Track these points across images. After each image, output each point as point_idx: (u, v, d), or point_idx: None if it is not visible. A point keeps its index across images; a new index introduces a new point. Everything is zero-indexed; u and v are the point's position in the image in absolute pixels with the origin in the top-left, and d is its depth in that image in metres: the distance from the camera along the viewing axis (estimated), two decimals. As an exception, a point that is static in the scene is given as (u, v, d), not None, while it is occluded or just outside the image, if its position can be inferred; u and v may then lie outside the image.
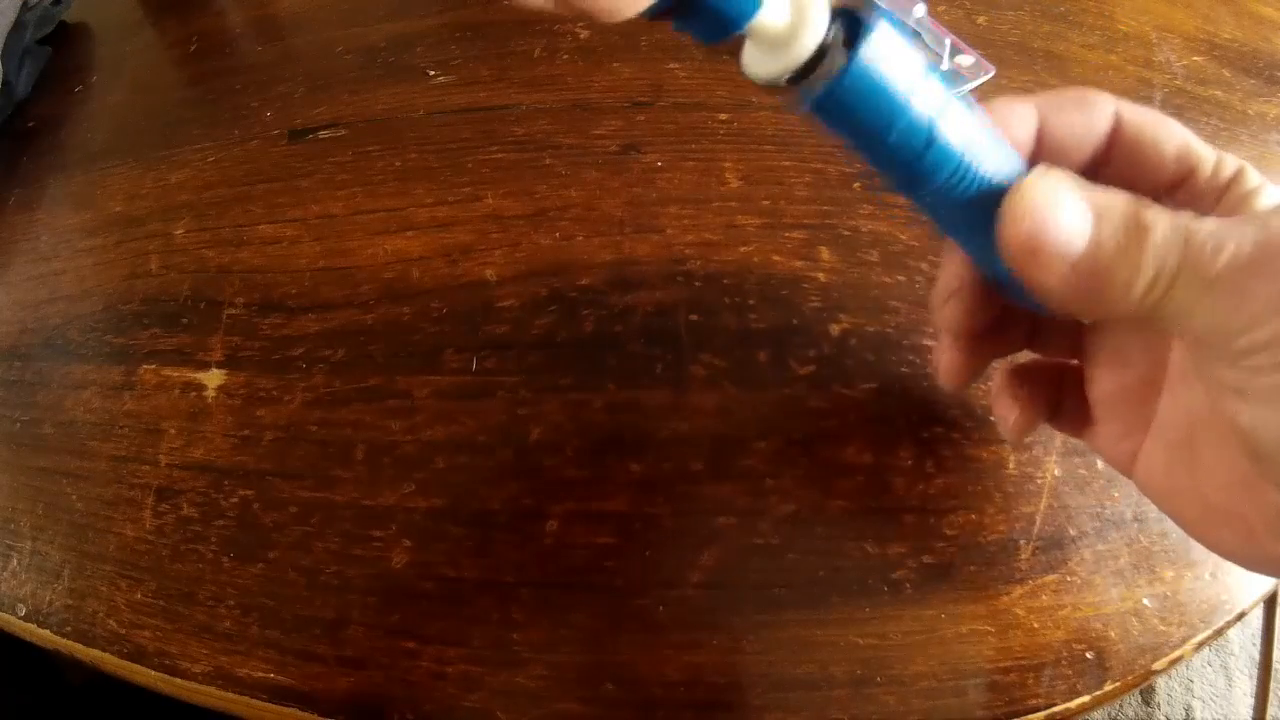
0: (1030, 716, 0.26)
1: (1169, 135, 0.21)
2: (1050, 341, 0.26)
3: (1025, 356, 0.27)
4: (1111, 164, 0.22)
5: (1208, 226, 0.18)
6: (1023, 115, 0.22)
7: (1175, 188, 0.22)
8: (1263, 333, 0.17)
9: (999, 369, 0.27)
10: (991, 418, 0.28)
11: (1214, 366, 0.19)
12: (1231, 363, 0.18)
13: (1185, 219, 0.18)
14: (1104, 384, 0.24)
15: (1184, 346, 0.21)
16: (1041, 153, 0.22)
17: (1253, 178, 0.21)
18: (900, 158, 0.20)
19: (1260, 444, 0.18)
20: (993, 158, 0.20)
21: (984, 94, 0.39)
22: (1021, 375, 0.26)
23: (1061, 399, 0.26)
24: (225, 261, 0.37)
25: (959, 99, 0.20)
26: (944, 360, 0.26)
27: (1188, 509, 0.22)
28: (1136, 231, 0.18)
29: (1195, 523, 0.22)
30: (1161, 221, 0.18)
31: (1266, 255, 0.17)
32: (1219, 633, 0.28)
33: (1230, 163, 0.21)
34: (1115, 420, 0.24)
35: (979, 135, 0.20)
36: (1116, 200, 0.19)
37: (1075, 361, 0.26)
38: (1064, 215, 0.19)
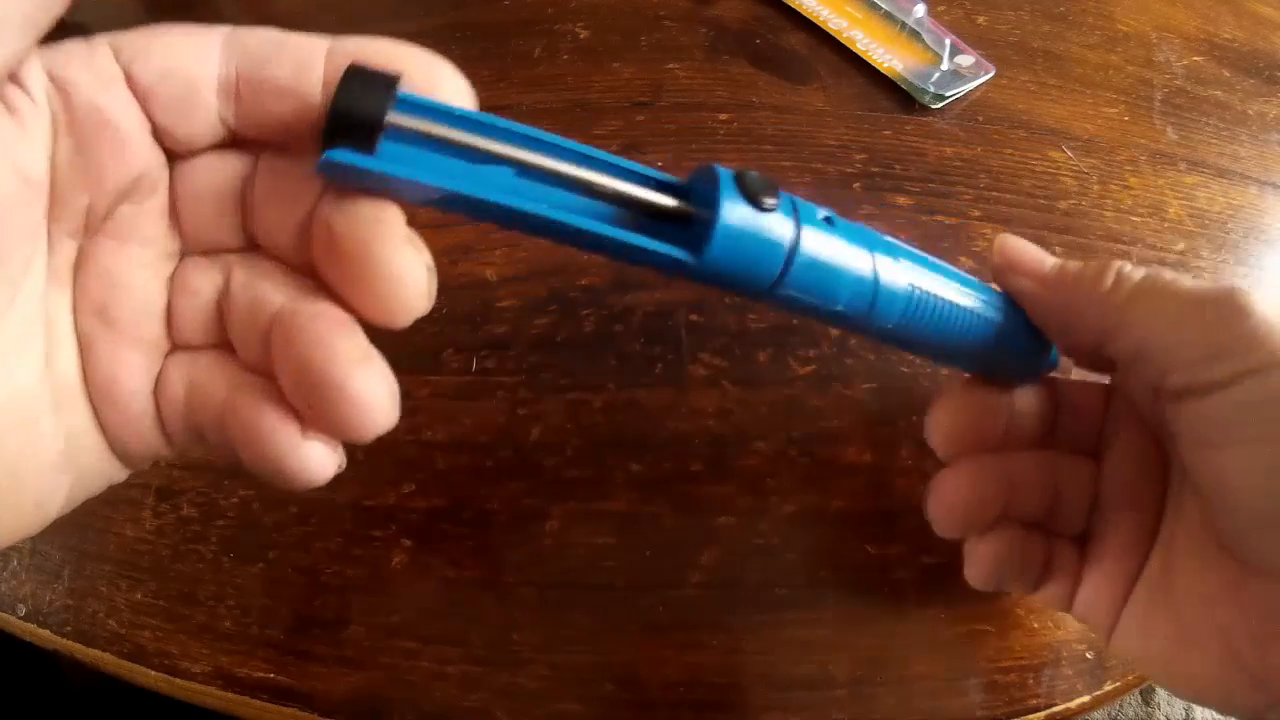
0: (1030, 716, 0.26)
1: None
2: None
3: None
4: None
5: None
6: None
7: None
8: (1220, 346, 0.20)
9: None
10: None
11: (1188, 408, 0.20)
12: (1202, 393, 0.20)
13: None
14: (1107, 538, 0.24)
15: (1167, 408, 0.21)
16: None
17: None
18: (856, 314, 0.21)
19: (1240, 504, 0.19)
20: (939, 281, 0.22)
21: (988, 96, 0.39)
22: (1023, 539, 0.25)
23: (1050, 571, 0.25)
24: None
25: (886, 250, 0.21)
26: (946, 489, 0.24)
27: (1161, 642, 0.22)
28: (1098, 261, 0.22)
29: (1171, 656, 0.22)
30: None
31: (1224, 294, 0.20)
32: (1219, 633, 0.28)
33: None
34: (1106, 577, 0.23)
35: (919, 272, 0.22)
36: None
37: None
38: (1033, 249, 0.24)
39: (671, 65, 0.40)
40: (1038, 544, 0.24)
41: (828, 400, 0.31)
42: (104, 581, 0.29)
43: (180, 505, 0.30)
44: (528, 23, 0.42)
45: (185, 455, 0.31)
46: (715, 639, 0.27)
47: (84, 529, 0.30)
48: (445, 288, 0.33)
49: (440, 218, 0.35)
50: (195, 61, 0.16)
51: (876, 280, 0.20)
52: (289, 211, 0.17)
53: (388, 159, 0.16)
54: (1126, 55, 0.41)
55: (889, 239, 0.22)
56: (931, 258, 0.22)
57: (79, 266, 0.17)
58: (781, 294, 0.19)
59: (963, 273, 0.23)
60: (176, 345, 0.18)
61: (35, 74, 0.16)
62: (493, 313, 0.33)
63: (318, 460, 0.17)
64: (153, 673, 0.28)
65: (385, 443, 0.30)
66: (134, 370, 0.18)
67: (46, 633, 0.29)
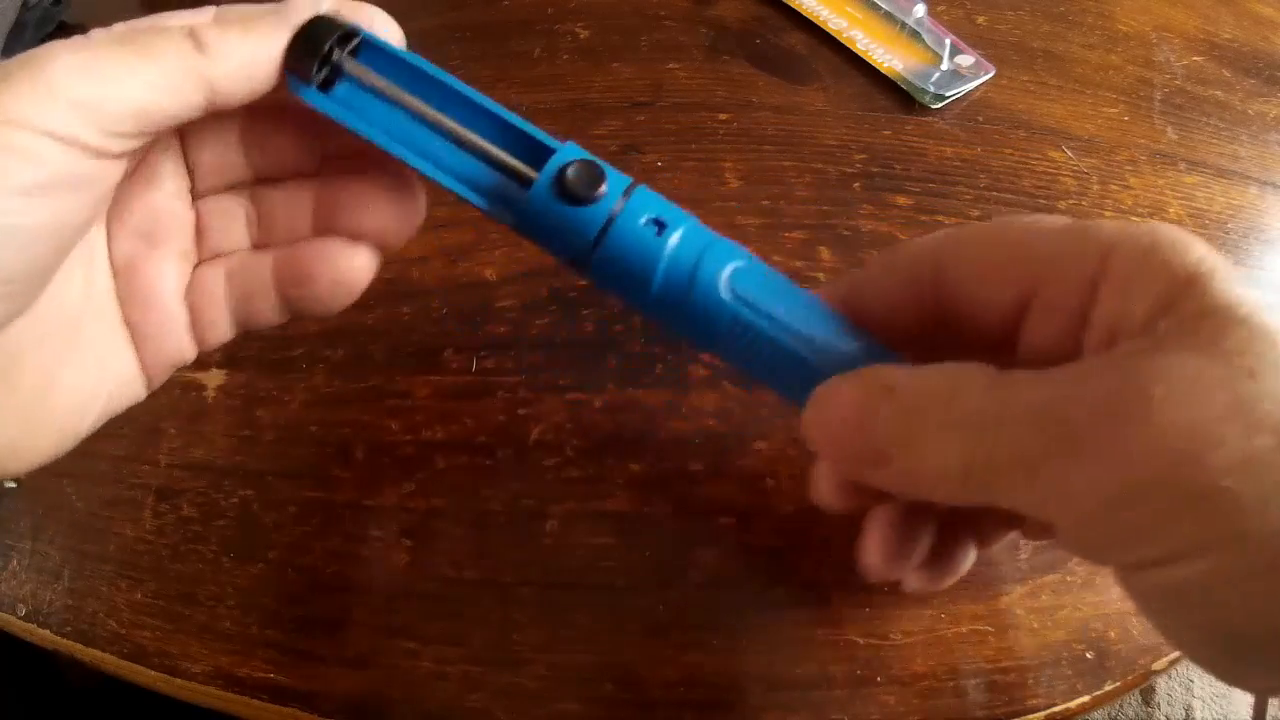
0: (1030, 716, 0.26)
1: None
2: None
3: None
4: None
5: (1034, 395, 0.16)
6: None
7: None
8: (1108, 532, 0.15)
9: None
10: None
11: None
12: (1102, 561, 0.17)
13: (1006, 389, 0.16)
14: None
15: None
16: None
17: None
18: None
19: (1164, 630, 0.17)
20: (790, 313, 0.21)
21: (988, 96, 0.39)
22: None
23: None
24: (225, 261, 0.36)
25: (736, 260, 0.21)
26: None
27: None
28: (925, 418, 0.17)
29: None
30: (964, 397, 0.16)
31: (1098, 423, 0.14)
32: (1219, 633, 0.28)
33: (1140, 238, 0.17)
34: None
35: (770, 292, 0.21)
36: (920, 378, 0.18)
37: None
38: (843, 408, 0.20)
39: (671, 65, 0.40)
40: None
41: (828, 400, 0.30)
42: (104, 581, 0.29)
43: (180, 505, 0.30)
44: (528, 23, 0.42)
45: (185, 452, 0.31)
46: (715, 639, 0.27)
47: (84, 529, 0.30)
48: (445, 287, 0.34)
49: (442, 219, 0.35)
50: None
51: (691, 284, 0.21)
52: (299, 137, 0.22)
53: (339, 101, 0.20)
54: (1126, 55, 0.41)
55: (738, 261, 0.21)
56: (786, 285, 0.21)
57: (116, 202, 0.20)
58: (598, 274, 0.21)
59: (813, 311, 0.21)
60: (202, 259, 0.22)
61: None
62: (493, 313, 0.33)
63: (370, 261, 0.22)
64: (153, 673, 0.28)
65: (385, 443, 0.30)
66: (171, 279, 0.21)
67: (46, 633, 0.29)
